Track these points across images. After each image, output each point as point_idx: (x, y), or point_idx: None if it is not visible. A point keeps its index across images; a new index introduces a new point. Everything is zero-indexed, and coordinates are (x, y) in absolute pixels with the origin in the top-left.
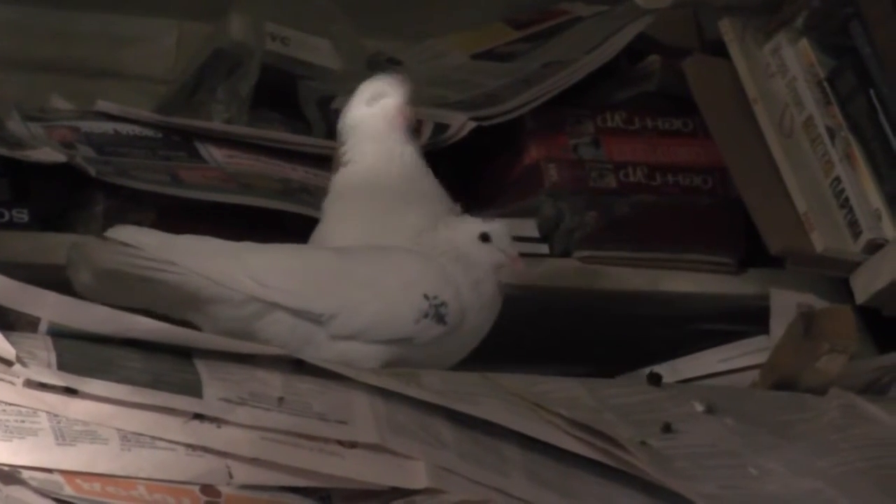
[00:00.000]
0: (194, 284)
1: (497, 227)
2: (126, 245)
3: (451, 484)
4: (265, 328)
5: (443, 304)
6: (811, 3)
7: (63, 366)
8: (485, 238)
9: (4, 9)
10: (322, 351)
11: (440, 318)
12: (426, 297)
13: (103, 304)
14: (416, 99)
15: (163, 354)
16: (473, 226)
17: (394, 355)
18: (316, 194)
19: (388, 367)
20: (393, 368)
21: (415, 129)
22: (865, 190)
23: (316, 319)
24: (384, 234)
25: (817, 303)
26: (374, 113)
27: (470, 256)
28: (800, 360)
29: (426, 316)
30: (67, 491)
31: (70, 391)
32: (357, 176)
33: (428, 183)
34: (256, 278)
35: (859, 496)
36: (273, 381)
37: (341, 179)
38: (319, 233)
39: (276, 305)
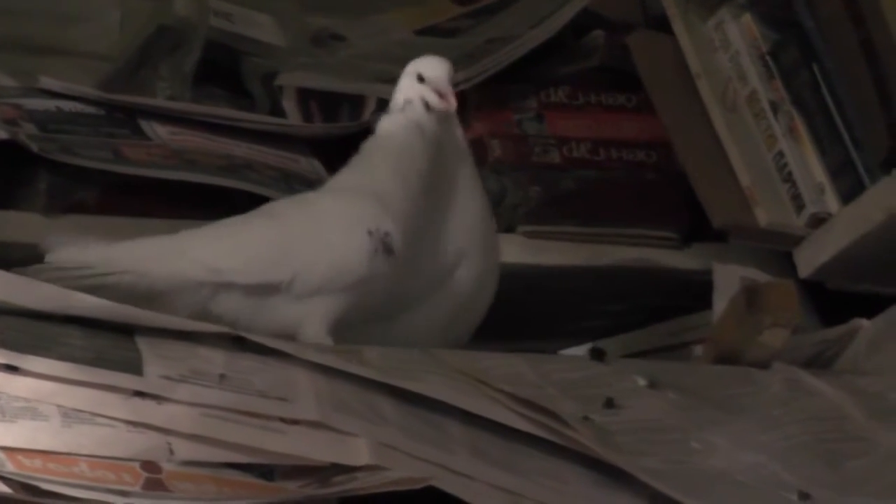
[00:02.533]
0: (143, 285)
1: (431, 62)
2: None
3: (393, 460)
4: (219, 305)
5: (387, 234)
6: None
7: (4, 343)
8: (420, 79)
9: None
10: (281, 313)
11: (388, 250)
12: (370, 232)
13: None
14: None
15: (104, 332)
16: (412, 64)
17: (355, 298)
18: (259, 170)
19: (353, 309)
20: (336, 346)
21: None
22: (809, 164)
23: (274, 289)
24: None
25: (760, 277)
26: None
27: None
28: (743, 334)
29: (376, 252)
30: (9, 467)
31: (11, 368)
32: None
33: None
34: (206, 265)
35: (802, 469)
36: (215, 359)
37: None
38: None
39: (231, 285)
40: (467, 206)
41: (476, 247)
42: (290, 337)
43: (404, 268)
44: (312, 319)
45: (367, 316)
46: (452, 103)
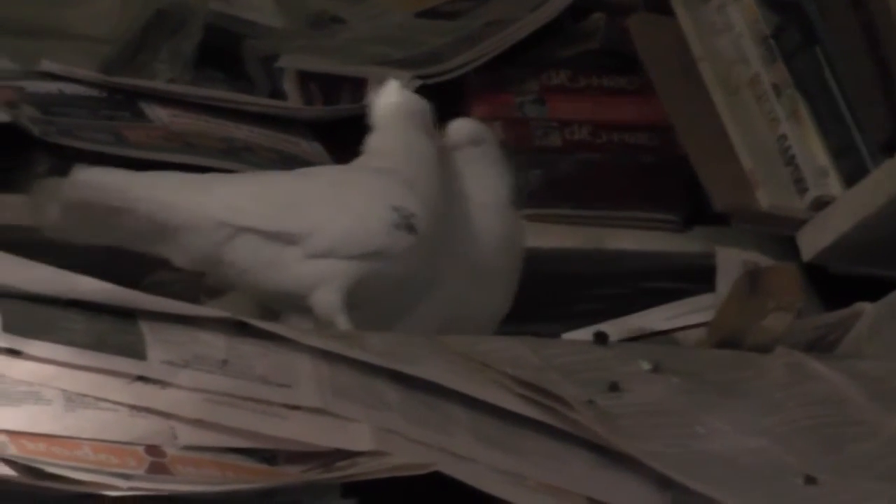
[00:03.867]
0: (164, 216)
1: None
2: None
3: (395, 445)
4: (233, 251)
5: (412, 214)
6: None
7: (7, 327)
8: None
9: None
10: (293, 271)
11: (411, 228)
12: (395, 208)
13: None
14: (359, 57)
15: (107, 316)
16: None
17: (368, 270)
18: (260, 153)
19: (364, 281)
20: (337, 331)
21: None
22: (811, 147)
23: (290, 240)
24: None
25: (763, 260)
26: None
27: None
28: (745, 318)
29: (397, 227)
30: (11, 451)
31: (13, 352)
32: None
33: None
34: (228, 204)
35: (804, 454)
36: (217, 343)
37: None
38: None
39: (248, 229)
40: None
41: (495, 234)
42: (300, 301)
43: (426, 252)
44: (325, 285)
45: (384, 301)
46: None
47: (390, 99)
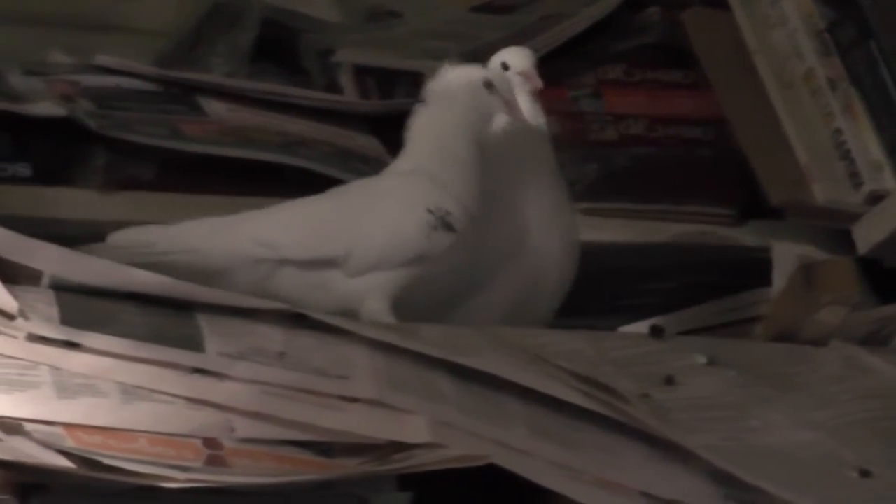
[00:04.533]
0: (202, 262)
1: (498, 75)
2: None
3: (451, 438)
4: (278, 284)
5: (447, 212)
6: None
7: (65, 320)
8: (489, 86)
9: None
10: (340, 290)
11: (448, 227)
12: (430, 210)
13: None
14: (415, 51)
15: (164, 308)
16: (475, 73)
17: (412, 275)
18: (316, 147)
19: (409, 287)
20: (394, 323)
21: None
22: (866, 141)
23: (331, 264)
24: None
25: (818, 254)
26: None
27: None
28: (801, 311)
29: (435, 228)
30: (69, 443)
31: (71, 345)
32: None
33: None
34: (262, 241)
35: (859, 447)
36: (274, 336)
37: None
38: None
39: (286, 261)
40: (541, 189)
41: (549, 228)
42: (351, 315)
43: (468, 247)
44: (373, 296)
45: (432, 299)
46: (538, 83)
47: (437, 83)
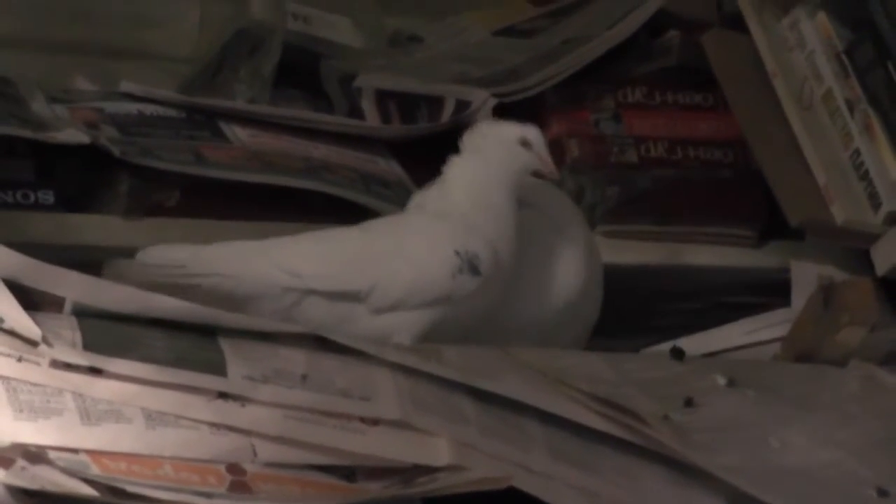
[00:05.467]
0: (228, 286)
1: (535, 131)
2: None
3: (473, 460)
4: (303, 314)
5: (475, 255)
6: None
7: (88, 345)
8: (524, 143)
9: None
10: (363, 326)
11: (475, 270)
12: (457, 252)
13: None
14: (437, 75)
15: (187, 333)
16: (512, 130)
17: (437, 316)
18: (338, 172)
19: (433, 328)
20: (415, 345)
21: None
22: (885, 162)
23: (355, 298)
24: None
25: (838, 275)
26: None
27: (493, 200)
28: (820, 332)
29: (461, 271)
30: (94, 470)
31: (95, 371)
32: None
33: None
34: (289, 270)
35: (880, 466)
36: (296, 359)
37: None
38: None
39: (312, 292)
40: (573, 234)
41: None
42: None
43: (496, 292)
44: (397, 336)
45: (458, 339)
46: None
47: (473, 136)
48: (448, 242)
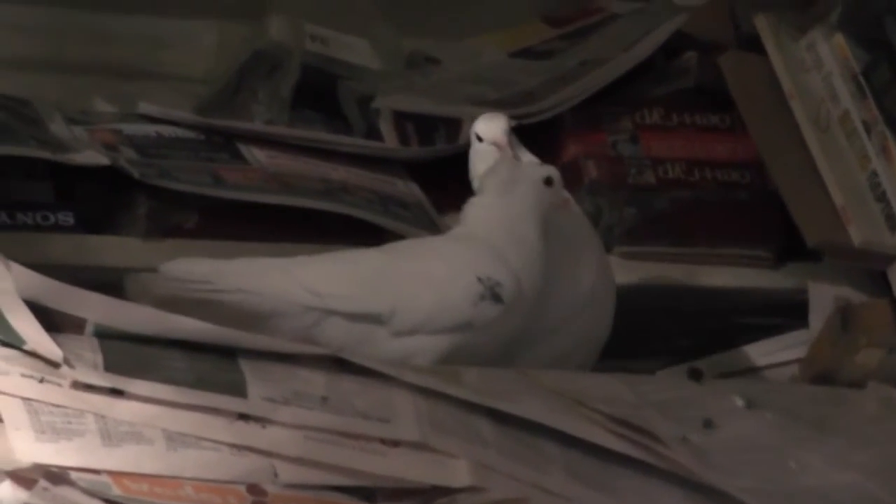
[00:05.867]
0: (251, 303)
1: (555, 170)
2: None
3: (491, 481)
4: (323, 334)
5: (497, 283)
6: None
7: (109, 367)
8: (548, 182)
9: (45, 12)
10: (383, 349)
11: (497, 298)
12: (479, 279)
13: None
14: (454, 97)
15: (207, 354)
16: (537, 170)
17: (457, 342)
18: (356, 193)
19: (453, 354)
20: (434, 366)
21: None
22: None
23: (375, 320)
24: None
25: (855, 296)
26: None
27: (520, 215)
28: (838, 354)
29: (483, 298)
30: (115, 491)
31: (116, 392)
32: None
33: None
34: (311, 289)
35: None
36: (316, 380)
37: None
38: None
39: (333, 312)
40: (589, 259)
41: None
42: None
43: (518, 321)
44: (416, 360)
45: (478, 364)
46: (508, 153)
47: (496, 174)
48: (471, 268)
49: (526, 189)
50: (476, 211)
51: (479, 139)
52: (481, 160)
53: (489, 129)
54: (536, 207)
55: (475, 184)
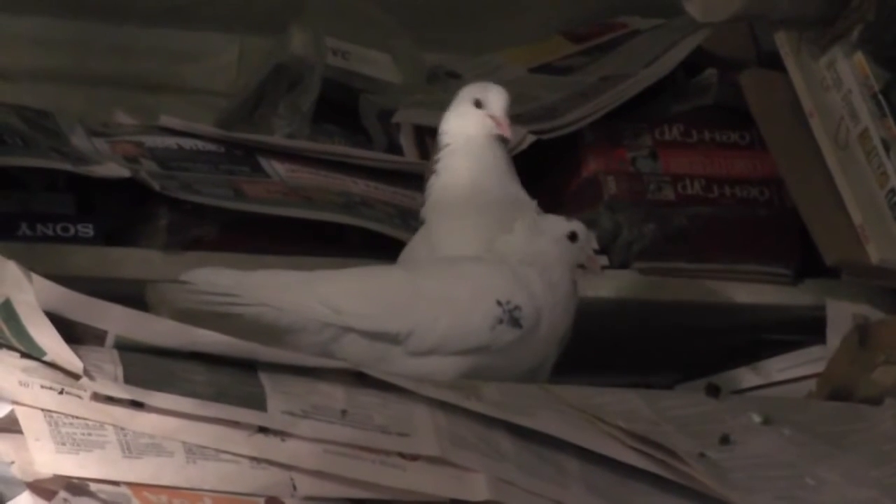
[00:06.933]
0: (270, 317)
1: (582, 226)
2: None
3: (510, 496)
4: (341, 350)
5: (516, 307)
6: (866, 17)
7: (129, 379)
8: (572, 237)
9: (67, 25)
10: (399, 367)
11: (515, 322)
12: (499, 303)
13: None
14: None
15: (227, 367)
16: (561, 225)
17: (472, 364)
18: (376, 207)
19: (468, 376)
20: (453, 381)
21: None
22: None
23: (392, 339)
24: (494, 244)
25: (873, 313)
26: (474, 120)
27: (548, 256)
28: (855, 370)
29: (501, 322)
30: (135, 503)
31: (136, 404)
32: (458, 186)
33: (518, 189)
34: (330, 305)
35: None
36: (336, 394)
37: (441, 187)
38: (424, 240)
39: (350, 329)
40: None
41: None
42: None
43: (536, 346)
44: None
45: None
46: (507, 132)
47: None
48: (492, 292)
49: (548, 248)
50: (503, 246)
51: (478, 105)
52: (466, 123)
53: (492, 100)
54: (559, 264)
55: (444, 138)
